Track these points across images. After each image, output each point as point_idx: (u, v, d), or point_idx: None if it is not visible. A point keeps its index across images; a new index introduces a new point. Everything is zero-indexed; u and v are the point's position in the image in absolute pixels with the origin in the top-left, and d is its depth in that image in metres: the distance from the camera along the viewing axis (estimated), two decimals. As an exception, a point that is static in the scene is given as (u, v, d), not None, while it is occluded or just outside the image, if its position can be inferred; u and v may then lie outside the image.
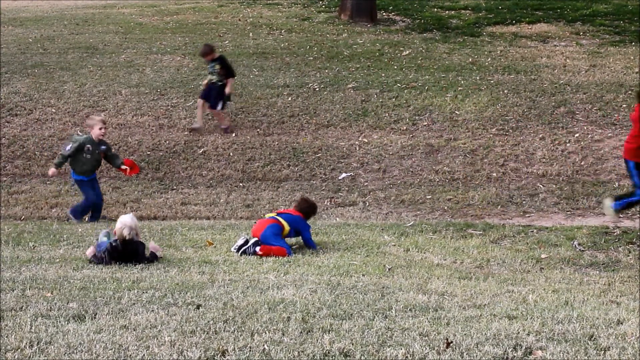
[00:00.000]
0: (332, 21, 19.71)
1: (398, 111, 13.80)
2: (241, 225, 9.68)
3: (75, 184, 10.47)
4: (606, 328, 4.84)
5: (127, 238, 7.08)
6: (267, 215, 8.38)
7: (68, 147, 10.20)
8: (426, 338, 4.57)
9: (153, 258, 7.24)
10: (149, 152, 12.75)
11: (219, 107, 13.09)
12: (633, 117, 8.51)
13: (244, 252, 7.74)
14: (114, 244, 7.15)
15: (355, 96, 14.37)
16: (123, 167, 10.54)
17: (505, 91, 14.41)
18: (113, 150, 11.00)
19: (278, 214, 8.23)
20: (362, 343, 4.45)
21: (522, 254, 7.97)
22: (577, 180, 11.55)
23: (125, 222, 7.16)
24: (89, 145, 10.16)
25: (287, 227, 8.02)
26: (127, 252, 7.12)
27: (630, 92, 13.84)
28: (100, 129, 10.28)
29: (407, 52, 17.00)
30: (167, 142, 13.00)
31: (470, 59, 16.37)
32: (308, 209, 8.43)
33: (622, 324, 4.97)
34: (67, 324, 4.81)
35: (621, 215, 8.88)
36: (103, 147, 10.36)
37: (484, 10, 20.65)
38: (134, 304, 5.33)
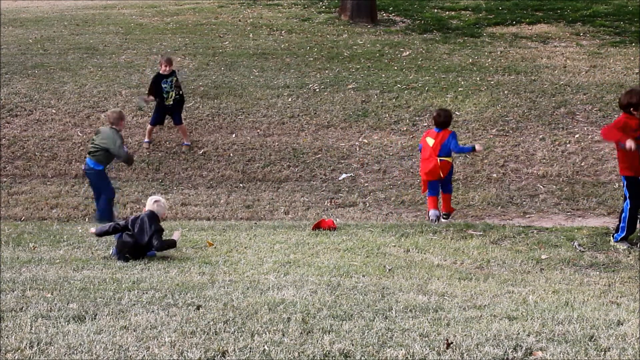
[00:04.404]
0: (332, 22, 19.71)
1: (398, 112, 13.81)
2: (241, 225, 9.68)
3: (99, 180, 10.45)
4: (606, 329, 4.84)
5: (155, 208, 7.55)
6: (440, 158, 9.56)
7: (125, 147, 10.63)
8: (426, 339, 4.56)
9: (170, 244, 7.48)
10: (149, 153, 12.76)
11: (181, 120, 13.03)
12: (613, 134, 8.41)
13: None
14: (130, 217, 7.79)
15: (355, 97, 14.37)
16: None
17: (506, 92, 14.41)
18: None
19: (440, 153, 9.52)
20: (362, 344, 4.45)
21: (522, 255, 7.96)
22: (577, 181, 11.55)
23: (155, 197, 7.75)
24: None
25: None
26: (147, 223, 7.41)
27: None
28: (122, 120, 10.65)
29: (407, 52, 17.01)
30: (167, 142, 13.01)
31: (470, 60, 16.37)
32: (448, 117, 9.77)
33: (622, 324, 4.97)
34: (67, 324, 4.81)
35: (633, 244, 8.50)
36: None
37: (484, 11, 20.65)
38: (134, 304, 5.33)
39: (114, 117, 10.48)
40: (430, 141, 9.67)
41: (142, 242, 7.41)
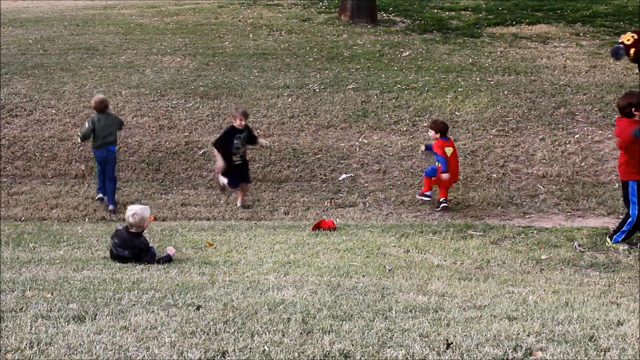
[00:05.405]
0: (332, 22, 19.71)
1: (398, 112, 13.80)
2: (241, 226, 9.68)
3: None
4: (606, 329, 4.84)
5: (130, 222, 7.31)
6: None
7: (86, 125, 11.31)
8: (426, 339, 4.56)
9: (166, 260, 7.30)
10: (149, 153, 12.76)
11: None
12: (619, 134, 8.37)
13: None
14: (119, 227, 7.51)
15: (355, 97, 14.37)
16: None
17: (506, 92, 14.41)
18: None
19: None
20: (362, 344, 4.45)
21: (522, 255, 7.97)
22: (577, 181, 11.55)
23: (132, 209, 7.41)
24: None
25: None
26: (128, 241, 7.22)
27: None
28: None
29: (407, 53, 17.00)
30: (167, 143, 13.01)
31: (470, 60, 16.37)
32: (444, 126, 10.81)
33: (622, 325, 4.97)
34: (67, 325, 4.81)
35: (633, 244, 8.46)
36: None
37: (484, 11, 20.66)
38: (134, 305, 5.33)
39: (104, 105, 11.15)
40: (450, 150, 10.70)
41: (122, 255, 7.32)
